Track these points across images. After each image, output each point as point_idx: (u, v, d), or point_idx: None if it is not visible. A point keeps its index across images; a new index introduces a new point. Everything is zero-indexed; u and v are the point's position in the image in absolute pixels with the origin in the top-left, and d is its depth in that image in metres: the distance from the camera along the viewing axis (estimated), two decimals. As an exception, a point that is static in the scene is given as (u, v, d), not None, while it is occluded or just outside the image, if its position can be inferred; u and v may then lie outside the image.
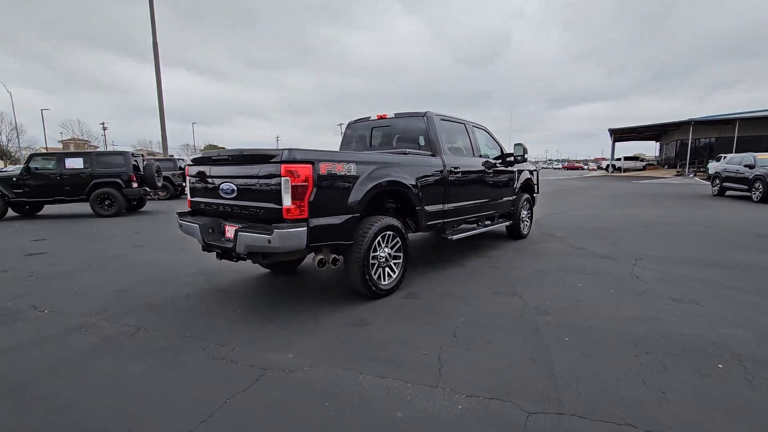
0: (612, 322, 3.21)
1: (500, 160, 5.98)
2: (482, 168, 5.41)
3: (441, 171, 4.59)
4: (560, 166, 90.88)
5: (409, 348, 2.81)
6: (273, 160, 3.10)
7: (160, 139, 24.15)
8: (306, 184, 3.09)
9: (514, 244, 6.35)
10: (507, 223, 6.38)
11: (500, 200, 5.99)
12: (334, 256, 3.55)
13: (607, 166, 43.08)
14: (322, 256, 3.39)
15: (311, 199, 3.14)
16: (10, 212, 11.32)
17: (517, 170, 6.45)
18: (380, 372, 2.49)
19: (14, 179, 10.93)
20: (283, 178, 3.04)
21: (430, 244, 6.55)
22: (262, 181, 3.21)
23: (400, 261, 4.06)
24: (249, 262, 3.63)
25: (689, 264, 4.96)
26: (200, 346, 2.89)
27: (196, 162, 3.93)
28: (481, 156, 5.58)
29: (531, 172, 7.18)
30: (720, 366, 2.50)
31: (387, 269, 3.94)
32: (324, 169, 3.23)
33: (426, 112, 4.80)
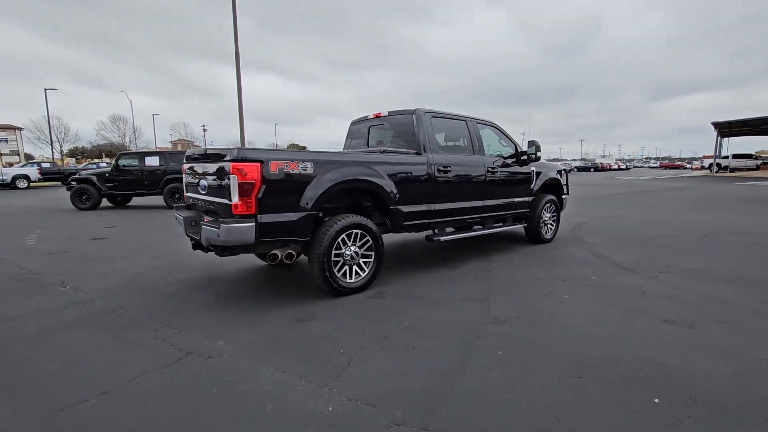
0: (568, 339, 2.89)
1: (513, 159, 5.62)
2: (485, 167, 5.14)
3: (425, 170, 4.46)
4: (657, 164, 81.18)
5: (332, 347, 2.83)
6: (225, 158, 3.31)
7: (244, 139, 26.48)
8: (253, 181, 3.24)
9: (530, 249, 5.92)
10: (522, 226, 5.97)
11: (511, 201, 5.62)
12: (289, 251, 3.67)
13: (710, 164, 37.54)
14: (274, 252, 3.53)
15: (259, 196, 3.29)
16: (105, 202, 13.28)
17: (535, 170, 5.99)
18: (285, 366, 2.55)
19: (107, 174, 12.83)
20: (231, 176, 3.22)
21: (439, 244, 6.36)
22: (217, 178, 3.44)
23: (371, 260, 4.05)
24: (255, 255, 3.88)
25: (722, 282, 4.22)
26: (155, 327, 3.21)
27: (187, 160, 4.30)
28: (485, 154, 5.29)
29: (560, 171, 6.63)
30: (656, 401, 2.14)
31: (355, 267, 3.97)
32: (275, 167, 3.36)
33: (415, 110, 4.69)
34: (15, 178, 23.36)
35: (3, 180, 22.98)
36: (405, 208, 4.30)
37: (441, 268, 4.87)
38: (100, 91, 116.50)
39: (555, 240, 6.52)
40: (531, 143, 5.62)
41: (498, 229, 5.61)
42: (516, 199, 5.72)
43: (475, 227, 5.37)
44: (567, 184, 6.84)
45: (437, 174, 4.57)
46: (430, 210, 4.56)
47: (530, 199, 5.96)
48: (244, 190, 3.22)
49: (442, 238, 4.77)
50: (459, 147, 5.12)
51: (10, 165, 35.08)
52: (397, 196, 4.20)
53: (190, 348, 2.82)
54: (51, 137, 46.72)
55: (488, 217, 5.48)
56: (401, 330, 3.08)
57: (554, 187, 6.59)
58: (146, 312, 3.53)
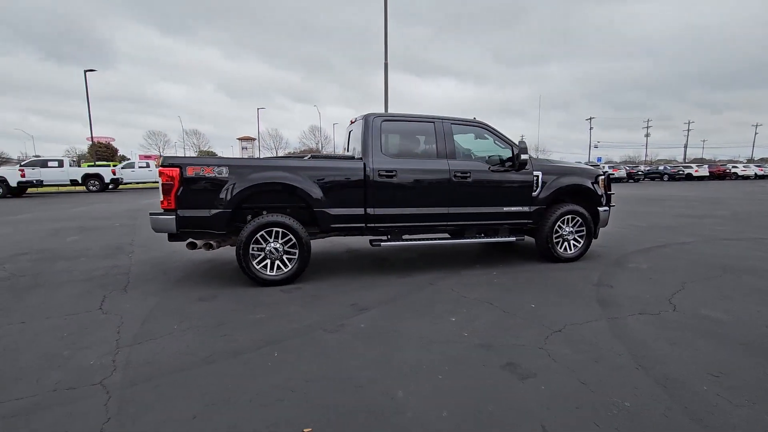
0: (345, 371, 2.69)
1: (499, 164, 4.96)
2: (451, 171, 4.74)
3: (359, 174, 4.48)
4: None
5: (162, 324, 3.32)
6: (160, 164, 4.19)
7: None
8: (171, 183, 4.02)
9: (533, 267, 5.09)
10: (518, 239, 5.18)
11: (498, 210, 4.97)
12: (208, 242, 4.31)
13: None
14: (192, 240, 4.24)
15: (178, 194, 4.04)
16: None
17: (541, 175, 5.08)
18: (98, 319, 3.21)
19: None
20: (159, 178, 4.08)
21: (444, 250, 6.01)
22: (160, 180, 4.35)
23: (295, 257, 4.37)
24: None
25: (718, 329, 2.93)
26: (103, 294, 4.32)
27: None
28: (458, 158, 4.86)
29: (597, 178, 5.44)
30: None
31: (278, 262, 4.36)
32: (191, 171, 4.06)
33: (366, 115, 4.71)
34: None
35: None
36: (332, 211, 4.44)
37: (387, 275, 4.75)
38: (310, 104, 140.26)
39: (585, 259, 5.36)
40: (519, 145, 4.85)
41: (477, 240, 5.06)
42: (506, 209, 5.00)
43: (468, 235, 5.01)
44: (606, 194, 5.51)
45: (377, 178, 4.51)
46: (367, 214, 4.54)
47: (531, 208, 5.10)
48: (166, 189, 4.03)
49: (382, 244, 4.67)
50: (417, 151, 4.86)
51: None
52: (323, 198, 4.38)
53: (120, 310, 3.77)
54: (275, 145, 61.80)
55: (466, 226, 5.01)
56: (246, 322, 3.37)
57: (581, 195, 5.42)
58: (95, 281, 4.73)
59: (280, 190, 4.32)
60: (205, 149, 78.73)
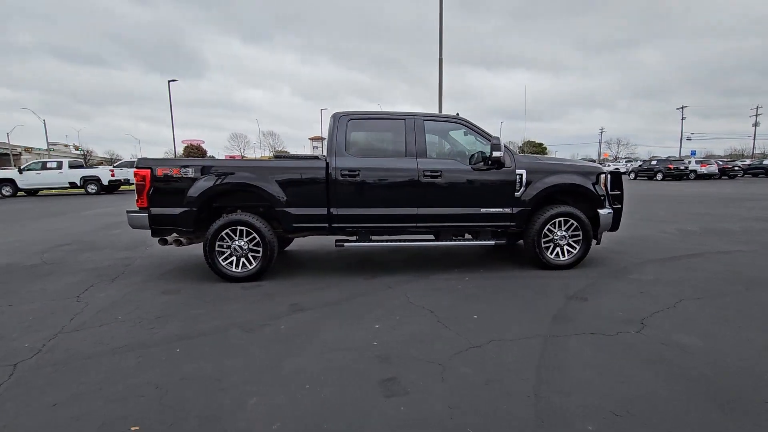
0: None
1: (475, 162, 4.61)
2: (419, 170, 4.51)
3: (323, 174, 4.44)
4: None
5: (112, 314, 3.60)
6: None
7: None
8: (143, 183, 4.33)
9: (516, 273, 4.68)
10: (498, 242, 4.78)
11: (475, 212, 4.63)
12: (178, 238, 4.56)
13: None
14: (163, 237, 4.52)
15: (150, 193, 4.35)
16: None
17: (524, 173, 4.62)
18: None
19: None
20: (134, 178, 4.42)
21: (430, 252, 5.74)
22: (140, 181, 4.70)
23: (259, 254, 4.48)
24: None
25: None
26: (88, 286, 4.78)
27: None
28: (429, 156, 4.61)
29: (597, 176, 4.84)
30: None
31: (243, 260, 4.51)
32: (161, 172, 4.34)
33: (334, 114, 4.66)
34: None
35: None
36: (294, 211, 4.46)
37: (356, 276, 4.67)
38: (381, 105, 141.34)
39: (583, 266, 4.80)
40: (492, 140, 4.45)
41: (454, 243, 4.76)
42: (484, 210, 4.64)
43: (444, 238, 4.81)
44: (610, 195, 4.85)
45: (340, 178, 4.45)
46: (331, 214, 4.50)
47: (514, 210, 4.67)
48: (139, 189, 4.36)
49: (346, 245, 4.59)
50: (385, 149, 4.68)
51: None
52: (284, 198, 4.43)
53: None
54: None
55: (440, 228, 4.75)
56: (183, 317, 3.53)
57: (578, 196, 4.84)
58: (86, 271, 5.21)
59: (244, 190, 4.45)
60: (279, 149, 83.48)
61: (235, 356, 2.75)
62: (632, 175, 32.33)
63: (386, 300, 3.88)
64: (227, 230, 4.42)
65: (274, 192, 4.42)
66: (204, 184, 4.36)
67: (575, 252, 4.80)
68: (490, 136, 4.70)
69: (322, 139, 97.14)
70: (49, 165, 19.84)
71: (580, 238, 4.78)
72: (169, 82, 32.33)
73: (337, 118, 4.61)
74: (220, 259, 4.45)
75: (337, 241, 4.68)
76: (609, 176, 5.07)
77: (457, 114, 5.09)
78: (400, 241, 4.90)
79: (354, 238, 4.77)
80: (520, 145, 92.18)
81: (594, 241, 4.87)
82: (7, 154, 48.45)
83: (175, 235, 4.58)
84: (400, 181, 4.54)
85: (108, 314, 3.56)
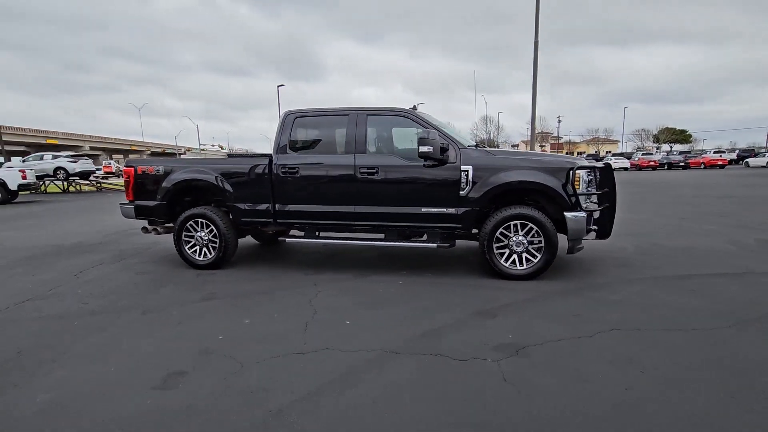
0: (109, 338, 3.03)
1: (415, 158, 4.26)
2: (356, 167, 4.37)
3: (265, 171, 4.62)
4: None
5: (78, 288, 4.31)
6: (128, 164, 5.30)
7: (534, 134, 26.47)
8: (128, 179, 5.07)
9: (462, 280, 4.24)
10: (440, 246, 4.35)
11: (416, 211, 4.31)
12: (155, 227, 5.19)
13: None
14: (144, 226, 5.21)
15: (134, 188, 5.08)
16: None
17: (470, 170, 4.11)
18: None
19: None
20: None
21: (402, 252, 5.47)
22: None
23: (216, 245, 4.90)
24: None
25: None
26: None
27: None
28: (368, 152, 4.43)
29: (567, 172, 4.09)
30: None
31: (205, 249, 4.98)
32: (140, 170, 5.02)
33: (284, 112, 4.77)
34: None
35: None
36: (242, 206, 4.73)
37: (303, 271, 4.75)
38: (496, 95, 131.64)
39: (557, 276, 4.10)
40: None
41: (386, 243, 4.56)
42: (425, 210, 4.27)
43: (389, 238, 4.65)
44: (582, 194, 3.99)
45: (281, 174, 4.57)
46: (275, 210, 4.66)
47: (459, 210, 4.19)
48: (127, 184, 5.13)
49: (287, 240, 4.71)
50: (328, 146, 4.61)
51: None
52: (233, 194, 4.73)
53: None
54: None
55: (382, 227, 4.54)
56: (119, 295, 4.09)
57: (540, 195, 4.11)
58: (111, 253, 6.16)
59: (200, 186, 4.89)
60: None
61: (99, 333, 3.13)
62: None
63: (293, 297, 3.90)
64: (191, 222, 4.92)
65: (224, 188, 4.76)
66: (169, 180, 4.92)
67: (535, 261, 4.12)
68: (440, 130, 4.30)
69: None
70: None
71: (546, 245, 4.08)
72: (278, 87, 36.22)
73: (285, 117, 4.74)
74: (186, 248, 4.98)
75: (279, 237, 4.85)
76: (595, 171, 4.22)
77: (414, 107, 4.78)
78: (342, 239, 4.82)
79: (299, 234, 4.87)
80: (656, 132, 78.84)
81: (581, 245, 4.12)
82: (175, 154, 61.37)
83: (153, 224, 5.28)
84: (337, 177, 4.47)
85: (73, 288, 4.30)
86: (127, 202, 5.24)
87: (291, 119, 4.72)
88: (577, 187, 4.02)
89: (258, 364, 2.58)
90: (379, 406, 2.10)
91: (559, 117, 77.04)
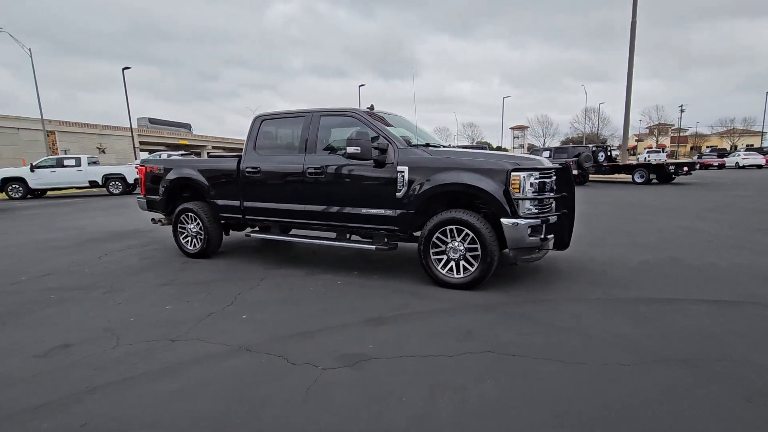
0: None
1: (354, 158, 4.20)
2: (305, 167, 4.49)
3: (234, 170, 4.99)
4: None
5: (69, 268, 5.16)
6: (144, 165, 6.12)
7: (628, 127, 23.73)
8: (140, 177, 5.89)
9: (400, 285, 4.11)
10: (379, 248, 4.23)
11: (356, 212, 4.28)
12: (160, 219, 5.90)
13: None
14: (153, 217, 5.97)
15: (146, 185, 5.89)
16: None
17: (405, 171, 3.92)
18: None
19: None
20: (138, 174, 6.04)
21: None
22: (153, 174, 6.29)
23: (202, 236, 5.45)
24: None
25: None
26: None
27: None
28: (318, 153, 4.52)
29: (506, 174, 3.71)
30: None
31: (194, 240, 5.58)
32: (149, 169, 5.79)
33: (255, 116, 5.07)
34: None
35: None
36: (219, 202, 5.19)
37: (282, 267, 4.99)
38: (604, 84, 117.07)
39: (504, 289, 3.76)
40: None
41: (330, 243, 4.59)
42: (365, 211, 4.20)
43: (339, 238, 4.73)
44: (526, 198, 3.52)
45: (246, 174, 4.90)
46: (243, 207, 5.02)
47: (396, 213, 4.04)
48: (140, 181, 5.96)
49: (252, 235, 5.01)
50: (287, 147, 4.76)
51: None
52: (212, 191, 5.21)
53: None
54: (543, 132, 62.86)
55: (332, 227, 4.60)
56: (104, 276, 4.81)
57: (479, 199, 3.73)
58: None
59: (191, 183, 5.47)
60: (479, 139, 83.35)
61: (59, 305, 3.76)
62: None
63: (230, 288, 4.16)
64: (183, 215, 5.55)
65: (206, 186, 5.28)
66: (167, 177, 5.60)
67: (472, 270, 3.80)
68: (384, 130, 4.21)
69: (525, 128, 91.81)
70: (66, 163, 17.45)
71: (484, 253, 3.74)
72: (359, 87, 37.50)
73: (253, 120, 5.05)
74: (181, 238, 5.64)
75: (245, 232, 5.21)
76: (546, 174, 3.73)
77: (371, 106, 4.72)
78: (298, 237, 4.97)
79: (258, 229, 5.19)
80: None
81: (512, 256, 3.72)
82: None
83: (158, 216, 6.05)
84: (289, 177, 4.65)
85: (94, 267, 5.18)
86: (141, 196, 6.09)
87: (258, 122, 5.02)
88: (515, 190, 3.60)
89: (130, 345, 2.90)
90: (162, 398, 2.24)
91: (681, 106, 66.42)
